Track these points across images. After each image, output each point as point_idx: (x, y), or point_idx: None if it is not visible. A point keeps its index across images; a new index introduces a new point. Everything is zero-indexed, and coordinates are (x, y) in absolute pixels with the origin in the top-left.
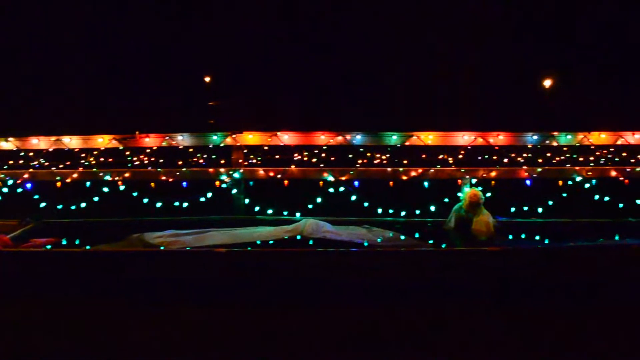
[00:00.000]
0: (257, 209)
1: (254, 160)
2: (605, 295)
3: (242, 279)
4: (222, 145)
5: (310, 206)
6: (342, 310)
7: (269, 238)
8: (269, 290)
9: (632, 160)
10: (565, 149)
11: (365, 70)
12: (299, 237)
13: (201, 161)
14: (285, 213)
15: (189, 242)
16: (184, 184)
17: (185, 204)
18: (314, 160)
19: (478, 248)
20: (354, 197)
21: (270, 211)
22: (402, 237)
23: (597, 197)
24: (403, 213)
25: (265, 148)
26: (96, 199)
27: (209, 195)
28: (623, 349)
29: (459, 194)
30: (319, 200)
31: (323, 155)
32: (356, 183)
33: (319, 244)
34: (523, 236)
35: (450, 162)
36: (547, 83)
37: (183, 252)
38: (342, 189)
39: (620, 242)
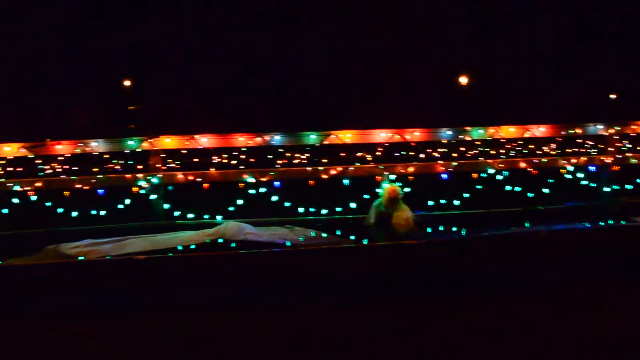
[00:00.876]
0: (177, 213)
1: (173, 165)
2: (519, 281)
3: (164, 285)
4: (139, 150)
5: (231, 208)
6: (267, 310)
7: (191, 243)
8: (192, 295)
9: (539, 152)
10: (477, 143)
11: (284, 71)
12: (221, 240)
13: (117, 167)
14: (206, 217)
15: (108, 250)
16: (100, 191)
17: (102, 212)
18: (234, 162)
19: (398, 242)
20: (275, 198)
21: (190, 215)
22: (324, 235)
23: (508, 187)
24: (324, 211)
25: (184, 152)
26: (5, 210)
27: (127, 202)
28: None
29: (379, 190)
30: (240, 202)
31: (242, 157)
32: (277, 183)
33: (242, 246)
34: (441, 228)
35: (369, 159)
36: (461, 80)
37: (102, 261)
38: (263, 189)
39: (531, 230)
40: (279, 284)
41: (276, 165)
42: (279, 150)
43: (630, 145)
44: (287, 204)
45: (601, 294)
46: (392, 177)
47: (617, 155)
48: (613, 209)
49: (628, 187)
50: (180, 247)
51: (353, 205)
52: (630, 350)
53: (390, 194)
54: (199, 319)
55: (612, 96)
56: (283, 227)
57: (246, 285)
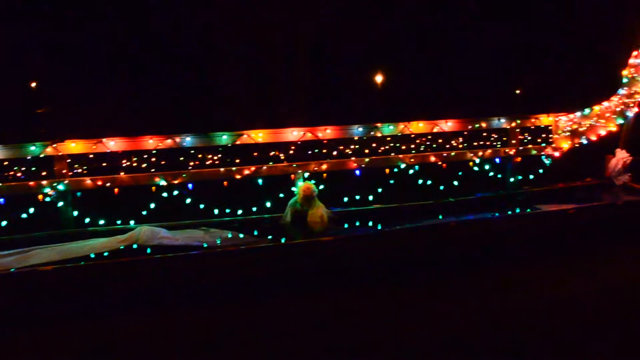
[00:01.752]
0: (87, 220)
1: (80, 170)
2: (431, 271)
3: (75, 295)
4: (42, 156)
5: (144, 213)
6: (186, 312)
7: (103, 250)
8: (107, 303)
9: (447, 146)
10: (388, 138)
11: (195, 70)
12: (135, 246)
13: (19, 174)
14: (118, 222)
15: (10, 263)
16: (1, 200)
17: (3, 223)
18: (144, 165)
19: (314, 239)
20: (189, 200)
21: (102, 222)
22: (241, 236)
23: (420, 181)
24: (240, 212)
25: (91, 156)
26: None
27: (32, 210)
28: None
29: (293, 189)
30: (153, 206)
31: (153, 159)
32: (190, 185)
33: (157, 251)
34: (357, 224)
35: (282, 158)
36: (373, 77)
37: (3, 275)
38: (176, 192)
39: (443, 221)
40: (197, 287)
41: (188, 167)
42: (191, 151)
43: (530, 137)
44: (201, 206)
45: (509, 276)
46: (306, 175)
47: (519, 147)
48: (518, 198)
49: (531, 176)
50: (92, 255)
51: (269, 204)
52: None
53: (304, 191)
54: (114, 328)
55: (517, 91)
56: (199, 230)
57: (163, 289)
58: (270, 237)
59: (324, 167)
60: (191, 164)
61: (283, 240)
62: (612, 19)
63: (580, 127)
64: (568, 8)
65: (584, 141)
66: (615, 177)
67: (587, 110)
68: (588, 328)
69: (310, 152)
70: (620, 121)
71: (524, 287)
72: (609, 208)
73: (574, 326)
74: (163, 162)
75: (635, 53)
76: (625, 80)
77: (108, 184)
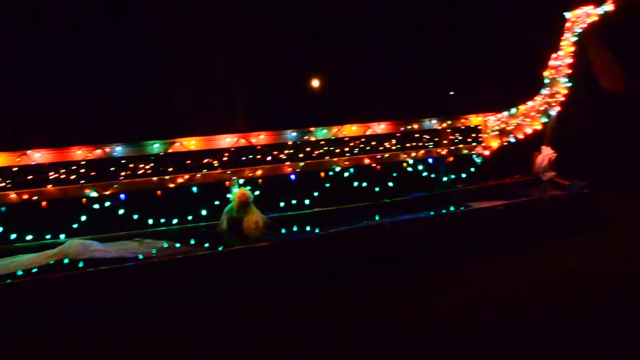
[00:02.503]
0: (13, 236)
1: (3, 184)
2: (368, 271)
3: (4, 314)
4: None
5: (75, 226)
6: (124, 324)
7: (32, 266)
8: (36, 320)
9: (381, 148)
10: (322, 142)
11: (122, 78)
12: (66, 260)
13: None
14: (48, 237)
15: None
16: None
17: None
18: (73, 177)
19: (250, 245)
20: (121, 211)
21: (29, 237)
22: (178, 245)
23: (355, 184)
24: (175, 221)
25: (15, 169)
26: None
27: None
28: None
29: (229, 196)
30: (83, 218)
31: (82, 170)
32: (122, 196)
33: (90, 264)
34: (295, 228)
35: (216, 165)
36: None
37: None
38: (107, 203)
39: (380, 222)
40: (133, 299)
41: (120, 177)
42: (122, 161)
43: (461, 137)
44: (135, 217)
45: (443, 273)
46: (241, 181)
47: (450, 147)
48: (452, 197)
49: (463, 175)
50: (20, 272)
51: (204, 212)
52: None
53: (240, 198)
54: (47, 345)
55: (451, 93)
56: (132, 241)
57: (97, 303)
58: (207, 245)
59: (259, 172)
60: (122, 174)
61: (220, 248)
62: (534, 23)
63: (508, 126)
64: (493, 13)
65: (512, 139)
66: (542, 173)
67: (513, 110)
68: (518, 322)
69: (244, 158)
70: (545, 120)
71: (458, 285)
72: (537, 203)
73: (506, 321)
74: (93, 173)
75: (554, 55)
76: (547, 81)
77: (35, 198)
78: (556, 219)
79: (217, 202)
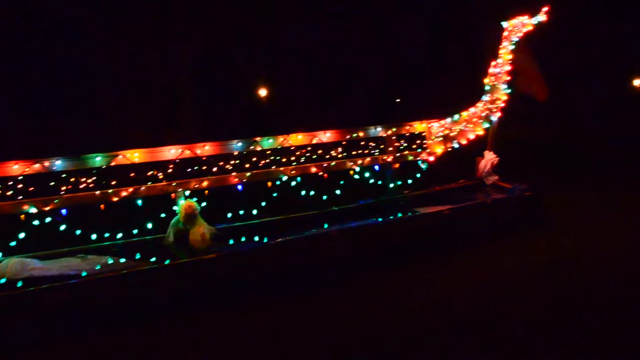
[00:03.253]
0: None
1: None
2: (319, 279)
3: None
4: None
5: (13, 244)
6: (68, 346)
7: None
8: None
9: (327, 156)
10: (268, 152)
11: (64, 90)
12: (3, 280)
13: None
14: None
15: None
16: None
17: None
18: (9, 193)
19: (196, 258)
20: (63, 227)
21: None
22: (122, 260)
23: (303, 192)
24: (120, 235)
25: None
26: None
27: None
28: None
29: (175, 208)
30: (22, 235)
31: (20, 186)
32: (63, 211)
33: (29, 284)
34: (243, 239)
35: (161, 177)
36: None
37: None
38: (48, 219)
39: (328, 230)
40: (74, 318)
41: (60, 192)
42: (62, 175)
43: (406, 144)
44: (77, 232)
45: (390, 278)
46: (187, 193)
47: (396, 154)
48: (399, 203)
49: (409, 181)
50: None
51: (150, 225)
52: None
53: (186, 210)
54: None
55: (397, 100)
56: (75, 257)
57: (36, 323)
58: (154, 259)
59: (205, 184)
60: (63, 188)
61: (167, 262)
62: (475, 31)
63: (451, 132)
64: (436, 22)
65: (456, 145)
66: (485, 177)
67: (456, 116)
68: (462, 326)
69: (189, 169)
70: (486, 125)
71: (405, 290)
72: (480, 206)
73: (450, 325)
74: (31, 189)
75: (494, 63)
76: (487, 87)
77: None
78: (499, 222)
79: (163, 215)
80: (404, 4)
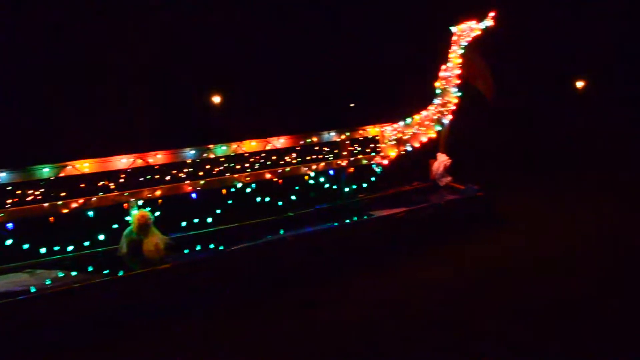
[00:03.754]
0: None
1: None
2: (275, 285)
3: None
4: None
5: None
6: None
7: None
8: None
9: (282, 162)
10: (222, 159)
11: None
12: None
13: None
14: None
15: None
16: None
17: None
18: None
19: (151, 269)
20: (9, 241)
21: None
22: (74, 274)
23: (258, 199)
24: (71, 248)
25: None
26: None
27: None
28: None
29: (128, 218)
30: None
31: None
32: (10, 225)
33: None
34: (199, 247)
35: (112, 187)
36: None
37: None
38: None
39: (284, 236)
40: (22, 336)
41: (6, 205)
42: (7, 188)
43: (360, 148)
44: (25, 247)
45: (346, 283)
46: (140, 202)
47: (350, 158)
48: (354, 207)
49: (364, 185)
50: None
51: (102, 237)
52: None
53: (139, 220)
54: None
55: (351, 105)
56: (22, 273)
57: None
58: (107, 271)
59: (158, 193)
60: (9, 201)
61: (121, 273)
62: (425, 37)
63: (404, 136)
64: (387, 28)
65: (409, 148)
66: (438, 179)
67: (408, 120)
68: (413, 326)
69: (142, 178)
70: (438, 128)
71: (358, 294)
72: (434, 208)
73: (409, 326)
74: None
75: (444, 67)
76: (438, 91)
77: None
78: (453, 222)
79: (115, 226)
80: (357, 9)
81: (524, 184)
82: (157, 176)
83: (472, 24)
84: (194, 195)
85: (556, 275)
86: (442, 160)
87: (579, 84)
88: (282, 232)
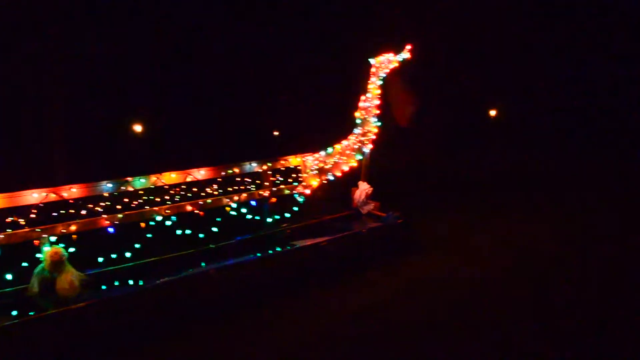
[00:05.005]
0: None
1: None
2: (193, 321)
3: None
4: None
5: None
6: None
7: None
8: None
9: (202, 194)
10: (141, 192)
11: None
12: None
13: None
14: None
15: None
16: None
17: None
18: None
19: (66, 308)
20: None
21: None
22: None
23: (179, 232)
24: None
25: None
26: None
27: None
28: None
29: (39, 255)
30: None
31: None
32: None
33: None
34: (117, 283)
35: (23, 223)
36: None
37: None
38: None
39: (205, 269)
40: None
41: None
42: None
43: (282, 179)
44: None
45: (264, 315)
46: (53, 239)
47: (272, 188)
48: (277, 237)
49: (287, 215)
50: None
51: (9, 276)
52: None
53: (52, 257)
54: None
55: (275, 133)
56: None
57: None
58: (15, 312)
59: (73, 228)
60: None
61: (32, 314)
62: (345, 68)
63: (326, 165)
64: (305, 58)
65: (331, 177)
66: (360, 206)
67: (330, 149)
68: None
69: (55, 213)
70: (359, 157)
71: (284, 323)
72: (356, 236)
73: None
74: None
75: (363, 97)
76: (358, 121)
77: None
78: (375, 249)
79: (25, 264)
80: (277, 37)
81: (448, 208)
82: (71, 210)
83: (390, 56)
84: (111, 229)
85: (483, 295)
86: (363, 188)
87: (492, 112)
88: (203, 264)
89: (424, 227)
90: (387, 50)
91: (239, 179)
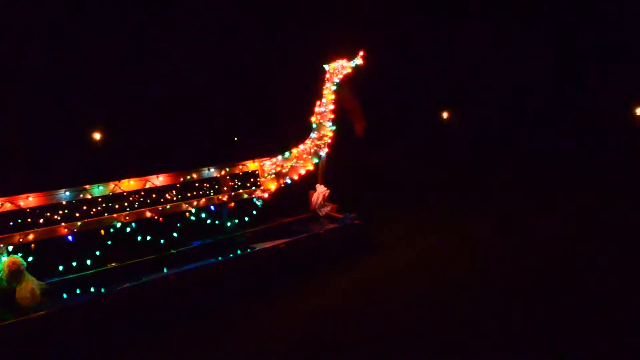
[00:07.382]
0: None
1: None
2: (159, 327)
3: None
4: None
5: None
6: None
7: None
8: None
9: (162, 200)
10: (100, 199)
11: None
12: None
13: None
14: None
15: None
16: None
17: None
18: None
19: (25, 317)
20: None
21: None
22: None
23: (139, 238)
24: None
25: None
26: None
27: None
28: None
29: None
30: None
31: None
32: None
33: None
34: (78, 291)
35: None
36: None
37: None
38: None
39: (166, 274)
40: None
41: None
42: None
43: (240, 183)
44: None
45: (231, 318)
46: (11, 248)
47: (231, 193)
48: (237, 241)
49: (246, 218)
50: None
51: None
52: None
53: (10, 267)
54: None
55: (235, 139)
56: None
57: None
58: None
59: (31, 237)
60: None
61: None
62: (300, 74)
63: (283, 169)
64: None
65: (288, 181)
66: (318, 209)
67: (287, 154)
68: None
69: (12, 222)
70: (316, 160)
71: (244, 327)
72: (314, 238)
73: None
74: None
75: (319, 103)
76: (314, 125)
77: None
78: (333, 250)
79: None
80: (235, 42)
81: (404, 209)
82: (29, 219)
83: (344, 62)
84: (70, 237)
85: (438, 296)
86: (320, 191)
87: (444, 115)
88: (165, 270)
89: (379, 228)
90: (340, 56)
91: (197, 185)
